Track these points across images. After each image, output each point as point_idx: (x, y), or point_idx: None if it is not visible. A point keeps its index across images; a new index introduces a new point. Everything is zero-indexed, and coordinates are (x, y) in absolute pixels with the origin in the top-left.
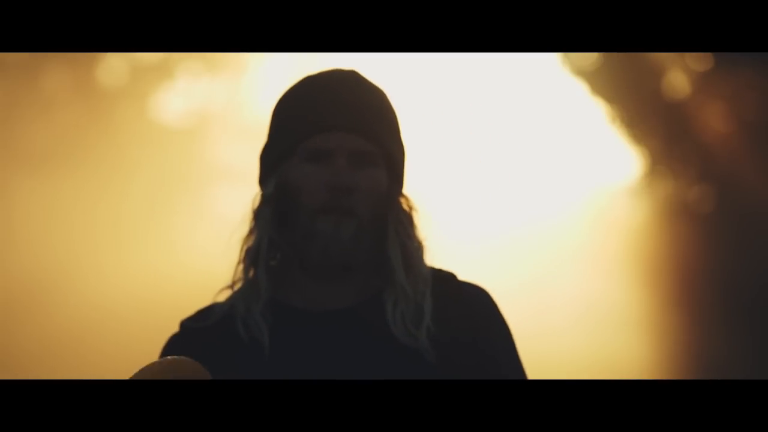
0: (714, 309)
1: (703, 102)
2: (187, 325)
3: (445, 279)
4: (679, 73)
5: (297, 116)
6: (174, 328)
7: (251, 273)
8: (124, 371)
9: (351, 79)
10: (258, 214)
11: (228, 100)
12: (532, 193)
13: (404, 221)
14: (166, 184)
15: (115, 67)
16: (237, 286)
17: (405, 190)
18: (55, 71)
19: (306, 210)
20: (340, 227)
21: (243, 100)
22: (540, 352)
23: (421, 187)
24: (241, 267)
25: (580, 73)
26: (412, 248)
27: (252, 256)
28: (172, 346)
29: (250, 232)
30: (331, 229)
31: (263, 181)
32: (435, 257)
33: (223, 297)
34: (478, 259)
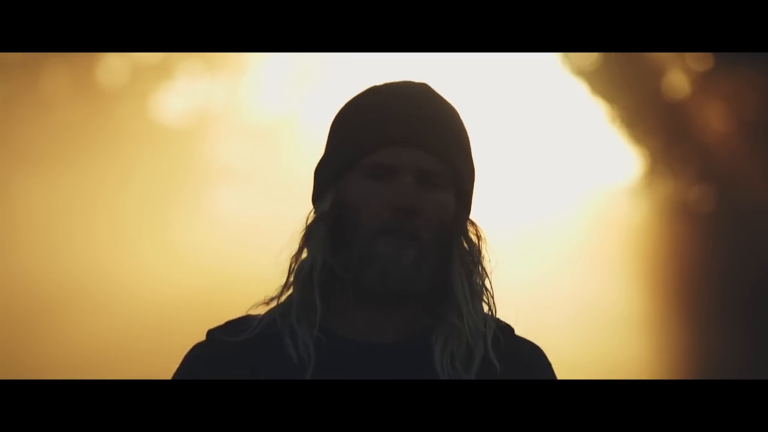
0: (713, 309)
1: (703, 102)
2: (217, 336)
3: (502, 330)
4: (679, 73)
5: (360, 128)
6: (173, 328)
7: (304, 294)
8: (123, 371)
9: (422, 91)
10: (311, 233)
11: (228, 100)
12: (532, 193)
13: (471, 251)
14: (165, 184)
15: (115, 67)
16: (278, 303)
17: (472, 217)
18: (55, 71)
19: (365, 231)
20: (401, 251)
21: (243, 100)
22: None
23: None
24: (289, 286)
25: (580, 73)
26: (477, 283)
27: (304, 277)
28: (198, 355)
29: (301, 250)
30: (392, 253)
31: (318, 197)
32: None
33: (257, 311)
34: None
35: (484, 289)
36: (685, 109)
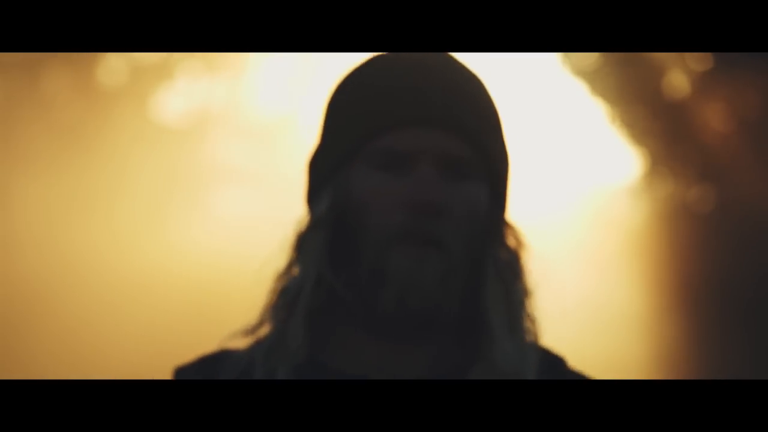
0: (713, 309)
1: (703, 102)
2: (185, 375)
3: (551, 363)
4: (679, 73)
5: (363, 107)
6: (173, 331)
7: (283, 321)
8: (123, 371)
9: (441, 60)
10: (303, 243)
11: (228, 100)
12: (532, 193)
13: (510, 263)
14: (165, 184)
15: (115, 67)
16: (261, 333)
17: (509, 216)
18: (55, 71)
19: (374, 238)
20: (423, 263)
21: (243, 100)
22: None
23: None
24: (270, 311)
25: (580, 73)
26: (518, 303)
27: (289, 299)
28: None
29: (291, 265)
30: (410, 265)
31: (312, 197)
32: None
33: (236, 344)
34: None
35: (525, 311)
36: (685, 109)
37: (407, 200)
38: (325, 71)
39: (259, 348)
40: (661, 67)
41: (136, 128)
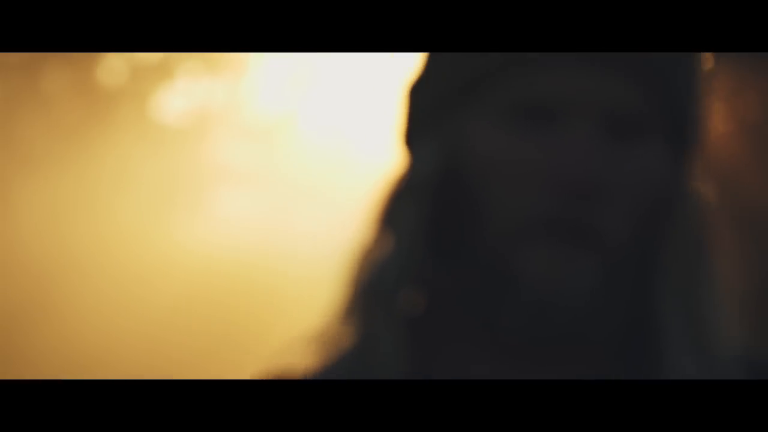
0: None
1: (703, 102)
2: None
3: None
4: None
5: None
6: (174, 328)
7: (368, 324)
8: (123, 371)
9: None
10: (395, 211)
11: (228, 100)
12: None
13: (697, 256)
14: (165, 184)
15: (115, 67)
16: (335, 341)
17: (702, 180)
18: (55, 71)
19: (500, 226)
20: (574, 266)
21: (243, 100)
22: None
23: None
24: (351, 310)
25: None
26: (708, 316)
27: (372, 291)
28: None
29: (376, 243)
30: (554, 268)
31: (413, 141)
32: None
33: (298, 358)
34: None
35: (718, 312)
36: None
37: (553, 175)
38: (325, 71)
39: (339, 364)
40: None
41: (136, 128)
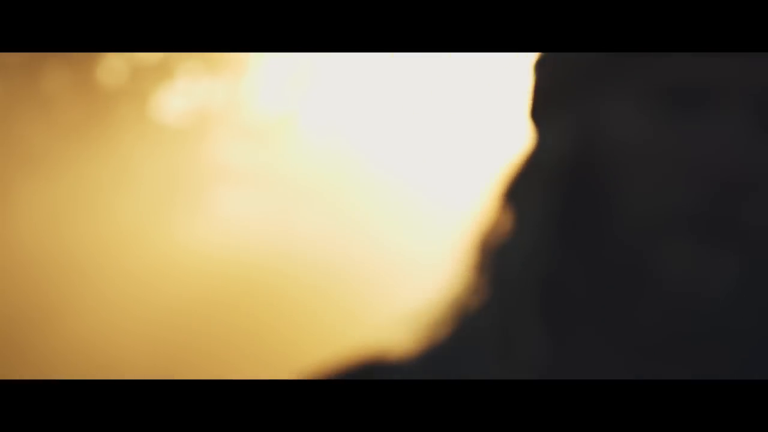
0: None
1: None
2: None
3: None
4: None
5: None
6: (173, 328)
7: (504, 318)
8: (122, 371)
9: None
10: (521, 192)
11: (228, 100)
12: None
13: None
14: (165, 184)
15: (115, 67)
16: (443, 328)
17: None
18: (55, 71)
19: (640, 216)
20: (718, 267)
21: (243, 100)
22: None
23: (421, 187)
24: (465, 296)
25: None
26: None
27: (497, 279)
28: None
29: (500, 225)
30: (696, 267)
31: (542, 118)
32: None
33: (396, 349)
34: None
35: None
36: None
37: (702, 168)
38: (325, 71)
39: (440, 351)
40: None
41: (136, 128)
